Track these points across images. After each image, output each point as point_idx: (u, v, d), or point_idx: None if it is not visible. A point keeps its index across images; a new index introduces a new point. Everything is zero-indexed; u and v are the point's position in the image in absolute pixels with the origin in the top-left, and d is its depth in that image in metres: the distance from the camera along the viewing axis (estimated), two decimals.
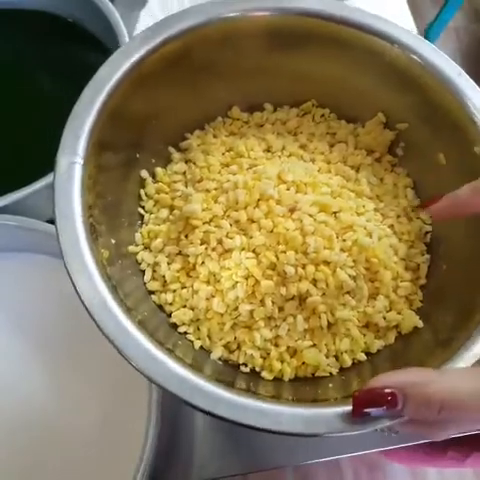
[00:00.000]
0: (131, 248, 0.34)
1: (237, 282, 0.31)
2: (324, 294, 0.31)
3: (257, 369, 0.32)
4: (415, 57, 0.33)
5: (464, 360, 0.26)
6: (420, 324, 0.32)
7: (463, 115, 0.32)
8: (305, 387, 0.31)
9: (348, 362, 0.32)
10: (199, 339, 0.32)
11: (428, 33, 0.54)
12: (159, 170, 0.37)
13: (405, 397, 0.23)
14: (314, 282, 0.31)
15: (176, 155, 0.38)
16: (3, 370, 0.37)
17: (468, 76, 0.32)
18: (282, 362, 0.31)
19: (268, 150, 0.37)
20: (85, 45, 0.47)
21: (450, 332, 0.29)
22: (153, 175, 0.37)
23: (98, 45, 0.46)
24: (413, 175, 0.37)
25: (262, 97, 0.39)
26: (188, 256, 0.33)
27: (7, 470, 0.34)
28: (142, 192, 0.36)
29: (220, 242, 0.32)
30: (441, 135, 0.34)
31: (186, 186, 0.35)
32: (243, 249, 0.32)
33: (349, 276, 0.31)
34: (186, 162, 0.37)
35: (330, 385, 0.31)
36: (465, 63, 0.56)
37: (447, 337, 0.29)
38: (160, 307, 0.33)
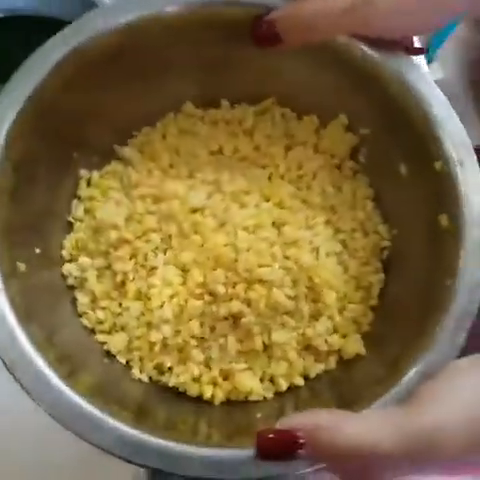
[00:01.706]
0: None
1: (164, 302, 0.29)
2: (259, 314, 0.29)
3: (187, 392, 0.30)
4: (384, 64, 0.29)
5: (408, 389, 0.24)
6: (362, 351, 0.30)
7: (426, 127, 0.28)
8: (236, 412, 0.29)
9: (283, 387, 0.30)
10: (130, 363, 0.30)
11: (432, 40, 0.50)
12: (95, 174, 0.34)
13: (310, 440, 0.21)
14: (248, 302, 0.29)
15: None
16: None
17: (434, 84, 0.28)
18: (214, 386, 0.29)
19: (219, 152, 0.34)
20: None
21: (396, 359, 0.26)
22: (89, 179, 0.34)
23: None
24: (374, 185, 0.34)
25: (219, 92, 0.35)
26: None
27: None
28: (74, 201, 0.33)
29: (146, 259, 0.30)
30: (403, 145, 0.30)
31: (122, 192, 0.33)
32: (171, 266, 0.30)
33: (288, 296, 0.29)
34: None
35: (263, 411, 0.29)
36: (470, 72, 0.53)
37: (393, 364, 0.26)
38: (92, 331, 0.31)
